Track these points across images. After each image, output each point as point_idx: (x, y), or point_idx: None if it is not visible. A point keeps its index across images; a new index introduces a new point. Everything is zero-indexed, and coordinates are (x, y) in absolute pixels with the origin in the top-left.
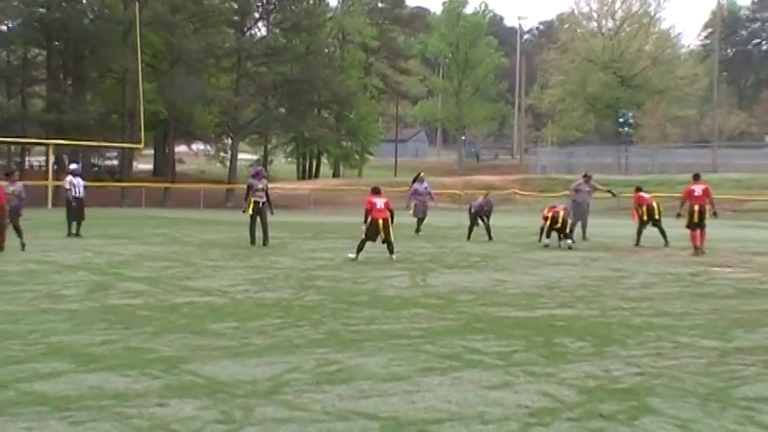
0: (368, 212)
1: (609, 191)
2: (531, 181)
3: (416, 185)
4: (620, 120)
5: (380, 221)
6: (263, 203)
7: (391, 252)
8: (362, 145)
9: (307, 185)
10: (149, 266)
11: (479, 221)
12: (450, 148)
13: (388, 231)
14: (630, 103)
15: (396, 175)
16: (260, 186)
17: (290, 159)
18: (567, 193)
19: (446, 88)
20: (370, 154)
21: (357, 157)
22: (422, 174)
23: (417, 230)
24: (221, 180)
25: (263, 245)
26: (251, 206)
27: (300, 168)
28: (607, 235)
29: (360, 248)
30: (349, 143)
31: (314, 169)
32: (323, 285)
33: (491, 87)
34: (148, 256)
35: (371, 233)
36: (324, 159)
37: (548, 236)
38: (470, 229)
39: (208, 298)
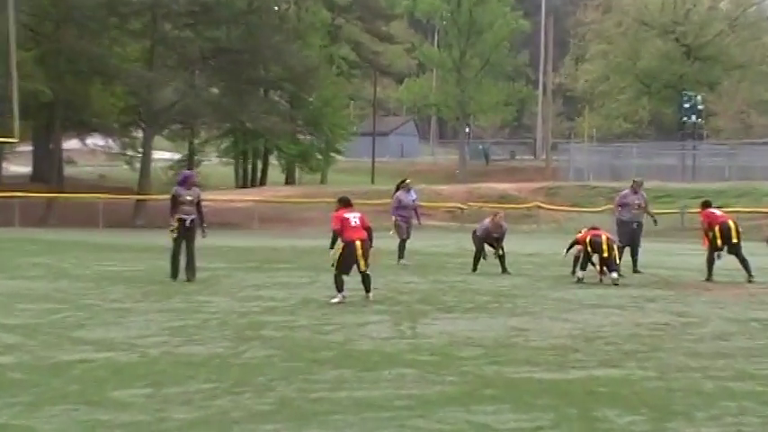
0: (338, 233)
1: (651, 215)
2: (560, 191)
3: (401, 195)
4: (686, 106)
5: (358, 244)
6: (192, 222)
7: (368, 289)
8: (327, 140)
9: (249, 196)
10: (25, 310)
11: (490, 247)
12: (448, 146)
13: (367, 258)
14: (700, 83)
15: (373, 182)
16: (188, 198)
17: (225, 160)
18: (610, 207)
19: (443, 61)
20: (338, 152)
21: (319, 156)
22: (408, 180)
23: (400, 257)
24: (128, 189)
25: (188, 279)
26: (177, 225)
27: (241, 173)
28: (667, 265)
29: (340, 286)
30: (308, 137)
31: (259, 174)
32: (272, 336)
33: (505, 60)
34: (23, 296)
35: (347, 262)
36: (273, 160)
37: (583, 267)
38: (477, 258)
39: (108, 354)
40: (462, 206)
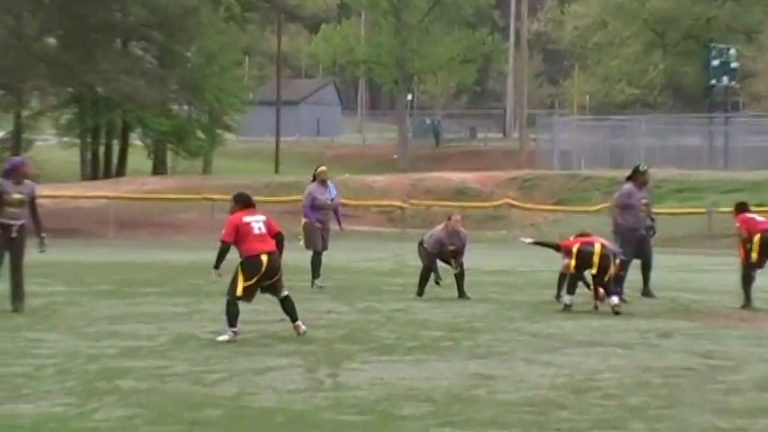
0: (231, 245)
1: (650, 218)
2: (540, 182)
3: (314, 190)
4: (714, 63)
5: (264, 259)
6: (21, 229)
7: (295, 317)
8: (212, 112)
9: (102, 191)
10: None
11: (444, 263)
12: (383, 120)
13: (281, 278)
14: (733, 31)
15: (278, 171)
16: (17, 197)
17: (67, 139)
18: (608, 206)
19: (375, 0)
20: (228, 129)
21: (201, 135)
22: (323, 168)
23: (314, 277)
24: None
25: (14, 310)
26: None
27: (89, 158)
28: (690, 286)
29: (233, 318)
30: (185, 108)
31: (116, 160)
32: (134, 389)
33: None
34: None
35: (249, 286)
36: (136, 140)
37: (571, 290)
38: (424, 278)
39: None
40: (403, 204)
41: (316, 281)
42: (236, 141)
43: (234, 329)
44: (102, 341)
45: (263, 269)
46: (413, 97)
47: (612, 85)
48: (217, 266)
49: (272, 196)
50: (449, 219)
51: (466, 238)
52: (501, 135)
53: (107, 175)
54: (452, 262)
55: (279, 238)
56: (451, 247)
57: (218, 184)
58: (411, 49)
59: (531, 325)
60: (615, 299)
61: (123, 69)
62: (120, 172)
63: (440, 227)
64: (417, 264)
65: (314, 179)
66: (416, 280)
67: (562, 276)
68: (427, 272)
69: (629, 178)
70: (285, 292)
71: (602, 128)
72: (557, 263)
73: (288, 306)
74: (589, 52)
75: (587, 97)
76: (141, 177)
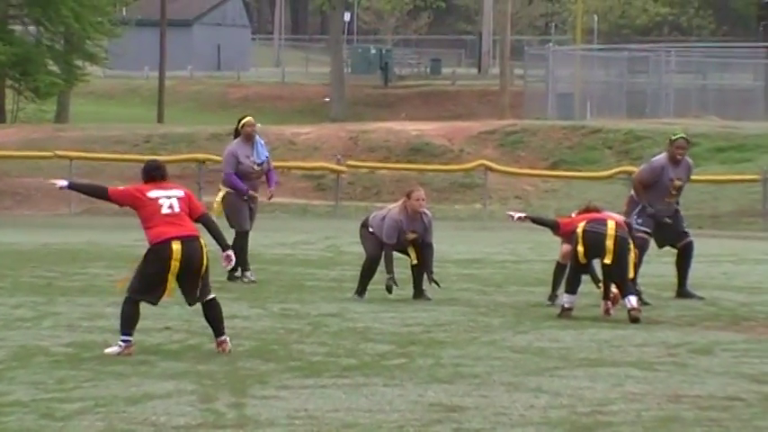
0: (113, 202)
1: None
2: (529, 137)
3: (236, 150)
4: None
5: (176, 247)
6: None
7: (220, 329)
8: (69, 36)
9: None
10: None
11: (400, 254)
12: (311, 49)
13: (204, 275)
14: None
15: (162, 119)
16: None
17: None
18: (625, 170)
19: None
20: (92, 60)
21: (55, 68)
22: (248, 119)
23: (244, 269)
24: None
25: None
26: None
27: None
28: (735, 283)
29: (127, 322)
30: (32, 30)
31: None
32: None
33: None
34: None
35: (152, 280)
36: None
37: (572, 288)
38: (367, 274)
39: None
40: (338, 167)
41: (246, 273)
42: (102, 77)
43: (127, 338)
44: None
45: (174, 261)
46: (351, 16)
47: (631, 0)
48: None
49: (154, 154)
50: (408, 196)
51: (431, 224)
52: (475, 71)
53: None
54: (412, 253)
55: (205, 220)
56: (412, 236)
57: (77, 136)
58: None
59: (514, 336)
60: (633, 300)
61: None
62: None
63: (395, 206)
64: (357, 251)
65: (236, 134)
66: (356, 273)
67: (560, 268)
68: (372, 264)
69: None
70: (211, 295)
71: (617, 61)
72: (554, 249)
73: (213, 314)
74: None
75: (596, 18)
76: None
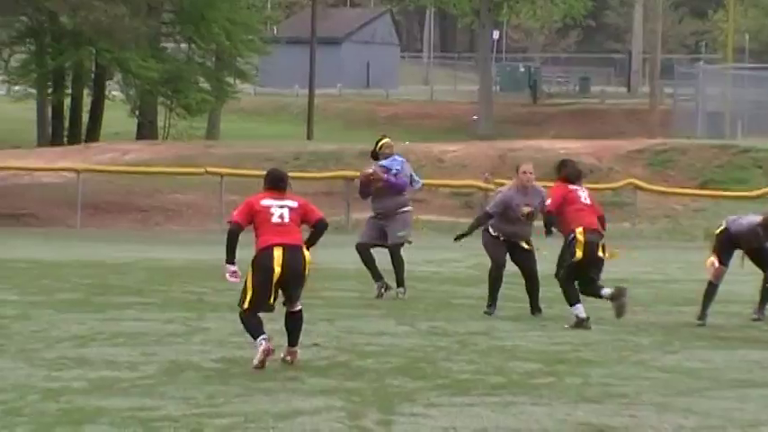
0: (242, 229)
1: None
2: (678, 156)
3: (379, 167)
4: None
5: (277, 254)
6: None
7: (294, 341)
8: (220, 54)
9: (67, 162)
10: None
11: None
12: (460, 67)
13: (300, 284)
14: None
15: (311, 136)
16: None
17: (19, 89)
18: None
19: None
20: (243, 78)
21: (205, 86)
22: (386, 140)
23: (386, 286)
24: None
25: None
26: None
27: (49, 115)
28: None
29: (254, 328)
30: (183, 48)
31: (86, 119)
32: None
33: None
34: None
35: (260, 289)
36: (115, 90)
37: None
38: (495, 279)
39: None
40: (485, 184)
41: (399, 290)
42: (253, 95)
43: (263, 337)
44: (66, 371)
45: (276, 266)
46: (500, 34)
47: None
48: (229, 260)
49: (303, 172)
50: (517, 170)
51: (546, 196)
52: (624, 89)
53: (74, 140)
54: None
55: (320, 226)
56: (526, 209)
57: (227, 153)
58: None
59: (663, 356)
60: None
61: None
62: (93, 135)
63: (505, 187)
64: (506, 269)
65: (374, 155)
66: (505, 292)
67: (711, 288)
68: (498, 268)
69: None
70: (298, 306)
71: None
72: (704, 269)
73: (293, 323)
74: None
75: (747, 36)
76: (121, 143)
